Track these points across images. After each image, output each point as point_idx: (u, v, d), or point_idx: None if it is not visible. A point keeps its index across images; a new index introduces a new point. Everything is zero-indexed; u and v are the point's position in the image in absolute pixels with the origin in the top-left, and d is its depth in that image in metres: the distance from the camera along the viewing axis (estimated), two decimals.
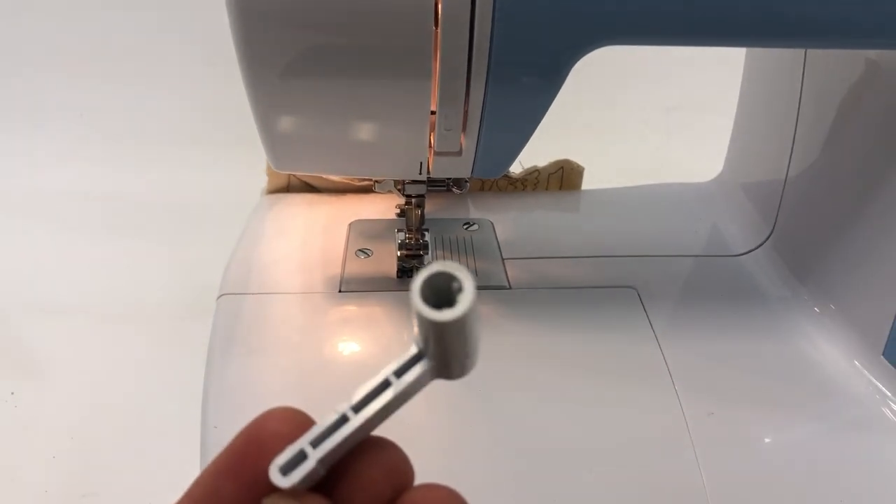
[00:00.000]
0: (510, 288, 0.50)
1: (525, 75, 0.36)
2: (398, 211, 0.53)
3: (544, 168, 0.60)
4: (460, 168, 0.42)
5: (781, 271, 0.52)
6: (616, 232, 0.57)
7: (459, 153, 0.40)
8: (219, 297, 0.49)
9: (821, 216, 0.50)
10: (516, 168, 0.61)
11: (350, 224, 0.55)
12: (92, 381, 0.57)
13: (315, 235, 0.54)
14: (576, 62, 0.35)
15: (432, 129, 0.39)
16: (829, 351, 0.48)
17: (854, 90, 0.46)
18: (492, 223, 0.56)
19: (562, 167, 0.61)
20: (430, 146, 0.40)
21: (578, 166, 0.60)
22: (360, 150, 0.40)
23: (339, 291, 0.49)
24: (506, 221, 0.57)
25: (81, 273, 0.67)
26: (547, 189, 0.62)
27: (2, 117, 0.80)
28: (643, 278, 0.51)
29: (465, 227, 0.56)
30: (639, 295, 0.50)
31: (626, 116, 0.76)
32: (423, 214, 0.52)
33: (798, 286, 0.51)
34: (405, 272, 0.51)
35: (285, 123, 0.39)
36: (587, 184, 0.62)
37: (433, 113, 0.38)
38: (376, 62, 0.35)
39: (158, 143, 0.77)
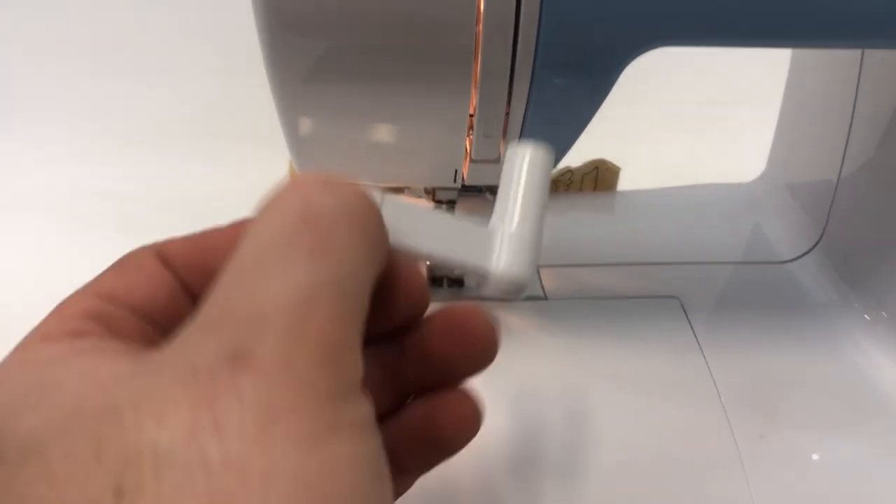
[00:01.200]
0: (546, 299, 0.48)
1: (572, 79, 0.33)
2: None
3: (578, 168, 0.58)
4: (497, 175, 0.39)
5: (832, 278, 0.49)
6: (655, 236, 0.54)
7: (497, 160, 0.38)
8: None
9: (877, 220, 0.47)
10: None
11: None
12: None
13: None
14: (627, 65, 0.33)
15: (469, 135, 0.36)
16: (884, 364, 0.45)
17: None
18: None
19: (596, 167, 0.58)
20: (466, 153, 0.38)
21: (614, 166, 0.58)
22: (392, 156, 0.38)
23: None
24: None
25: (92, 275, 0.65)
26: (581, 190, 0.59)
27: (9, 113, 0.78)
28: (686, 287, 0.49)
29: None
30: (682, 305, 0.47)
31: (657, 112, 0.73)
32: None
33: (849, 294, 0.48)
34: (435, 281, 0.48)
35: (314, 128, 0.36)
36: (622, 184, 0.59)
37: (471, 116, 0.35)
38: (413, 65, 0.33)
39: (172, 138, 0.75)
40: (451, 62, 0.32)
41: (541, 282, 0.49)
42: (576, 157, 0.58)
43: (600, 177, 0.58)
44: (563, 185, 0.59)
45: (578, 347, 0.45)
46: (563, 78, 0.33)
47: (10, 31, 0.82)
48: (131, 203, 0.72)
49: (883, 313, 0.46)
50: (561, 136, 0.36)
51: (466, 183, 0.40)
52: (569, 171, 0.58)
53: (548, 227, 0.54)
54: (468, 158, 0.38)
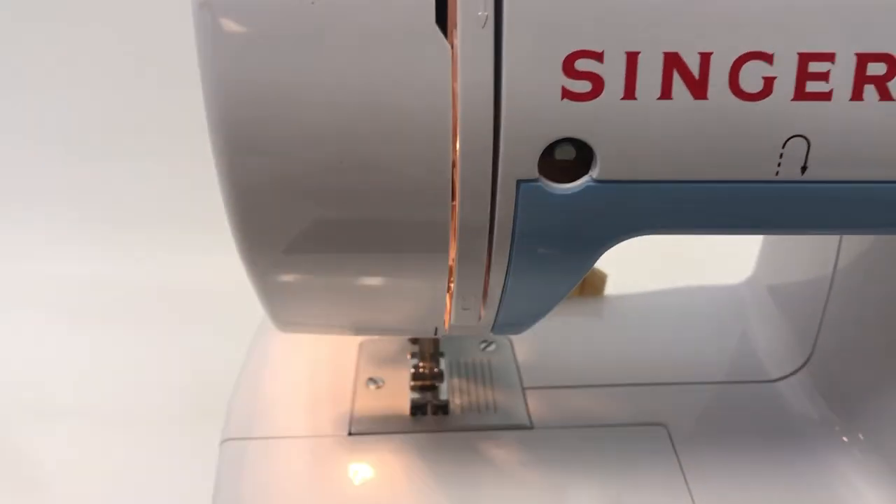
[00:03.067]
0: (532, 427, 0.47)
1: (551, 261, 0.33)
2: (411, 337, 0.50)
3: None
4: (478, 330, 0.39)
5: (820, 404, 0.48)
6: (643, 351, 0.53)
7: (477, 325, 0.37)
8: (222, 443, 0.46)
9: (872, 342, 0.46)
10: None
11: (360, 344, 0.52)
12: (92, 493, 0.54)
13: (323, 360, 0.51)
14: (605, 251, 0.32)
15: (449, 292, 0.36)
16: (866, 492, 0.44)
17: None
18: (510, 341, 0.53)
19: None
20: (446, 311, 0.37)
21: (601, 272, 0.57)
22: (372, 318, 0.37)
23: (349, 434, 0.46)
24: (524, 336, 0.54)
25: (77, 369, 0.65)
26: (569, 295, 0.58)
27: None
28: (673, 412, 0.48)
29: (482, 346, 0.53)
30: (669, 434, 0.47)
31: None
32: (438, 341, 0.49)
33: (839, 423, 0.47)
34: (419, 408, 0.48)
35: (287, 295, 0.35)
36: (613, 285, 0.59)
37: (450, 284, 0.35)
38: (385, 236, 0.32)
39: (158, 225, 0.74)
40: (425, 237, 0.31)
41: (526, 405, 0.48)
42: None
43: (587, 282, 0.58)
44: None
45: (562, 483, 0.44)
46: (542, 260, 0.32)
47: None
48: (119, 291, 0.71)
49: (880, 448, 0.45)
50: (540, 304, 0.36)
51: (447, 334, 0.39)
52: None
53: (534, 339, 0.54)
54: (448, 319, 0.37)
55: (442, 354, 0.50)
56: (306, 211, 0.31)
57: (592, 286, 0.58)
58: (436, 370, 0.49)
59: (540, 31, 0.27)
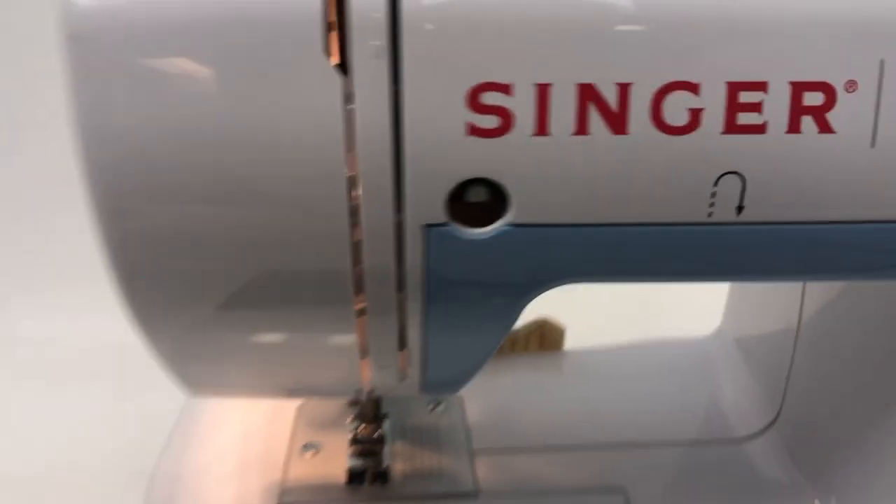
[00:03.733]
0: (477, 494, 0.44)
1: (471, 312, 0.30)
2: (350, 399, 0.47)
3: (521, 329, 0.54)
4: (406, 389, 0.35)
5: (789, 466, 0.45)
6: (602, 409, 0.50)
7: (403, 380, 0.34)
8: None
9: (840, 397, 0.43)
10: None
11: (298, 408, 0.49)
12: None
13: (259, 424, 0.48)
14: (529, 301, 0.29)
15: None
16: None
17: None
18: (461, 400, 0.50)
19: (540, 326, 0.54)
20: (363, 371, 0.34)
21: (558, 325, 0.54)
22: (283, 376, 0.34)
23: None
24: (477, 396, 0.51)
25: (20, 431, 0.61)
26: (527, 349, 0.55)
27: None
28: (632, 475, 0.45)
29: (429, 407, 0.49)
30: (628, 499, 0.43)
31: None
32: (379, 402, 0.46)
33: (810, 486, 0.44)
34: (356, 477, 0.44)
35: (187, 354, 0.32)
36: (574, 336, 0.56)
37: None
38: (282, 287, 0.29)
39: (93, 282, 0.71)
40: (327, 292, 0.29)
41: (473, 471, 0.45)
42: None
43: (545, 336, 0.54)
44: (508, 346, 0.55)
45: None
46: (458, 316, 0.29)
47: None
48: (52, 349, 0.68)
49: (832, 500, 0.42)
50: (467, 362, 0.33)
51: (373, 395, 0.36)
52: (512, 332, 0.54)
53: (486, 398, 0.51)
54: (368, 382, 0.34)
55: (385, 416, 0.47)
56: (189, 259, 0.28)
57: (551, 340, 0.55)
58: (377, 434, 0.45)
59: (442, 61, 0.25)
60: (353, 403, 0.46)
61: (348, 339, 0.30)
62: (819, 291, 0.43)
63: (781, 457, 0.45)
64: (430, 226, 0.27)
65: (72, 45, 0.25)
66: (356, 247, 0.27)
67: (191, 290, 0.29)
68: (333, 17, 0.25)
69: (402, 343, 0.31)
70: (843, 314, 0.42)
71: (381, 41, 0.25)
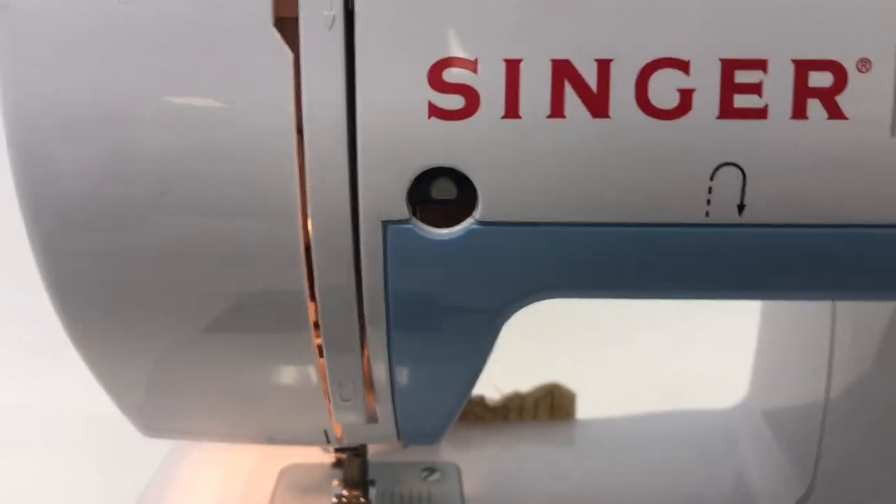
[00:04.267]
0: None
1: (441, 333, 0.26)
2: (334, 460, 0.43)
3: (529, 393, 0.50)
4: (380, 435, 0.32)
5: None
6: (615, 485, 0.45)
7: (373, 421, 0.30)
8: None
9: (870, 477, 0.38)
10: (493, 394, 0.51)
11: (281, 471, 0.45)
12: None
13: (236, 487, 0.44)
14: (507, 318, 0.26)
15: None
16: None
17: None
18: (458, 469, 0.46)
19: (550, 392, 0.50)
20: (326, 406, 0.31)
21: (569, 392, 0.50)
22: (244, 418, 0.31)
23: None
24: (478, 465, 0.46)
25: (5, 498, 0.58)
26: (535, 417, 0.51)
27: None
28: None
29: (423, 475, 0.45)
30: None
31: (634, 320, 0.66)
32: (365, 463, 0.42)
33: None
34: None
35: (138, 390, 0.29)
36: (588, 404, 0.51)
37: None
38: (232, 315, 0.26)
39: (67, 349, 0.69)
40: (281, 319, 0.25)
41: None
42: (525, 378, 0.50)
43: (555, 402, 0.50)
44: (515, 413, 0.51)
45: None
46: (424, 345, 0.26)
47: None
48: (44, 418, 0.65)
49: None
50: (444, 395, 0.29)
51: (345, 444, 0.32)
52: (518, 397, 0.50)
53: (487, 468, 0.46)
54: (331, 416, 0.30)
55: (372, 483, 0.43)
56: (126, 275, 0.25)
57: (562, 407, 0.51)
58: (362, 500, 0.41)
59: (400, 33, 0.22)
60: (337, 464, 0.43)
61: (306, 369, 0.27)
62: (847, 357, 0.39)
63: None
64: (388, 223, 0.24)
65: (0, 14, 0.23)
66: (308, 251, 0.24)
67: (129, 319, 0.26)
68: None
69: (367, 372, 0.27)
70: (874, 381, 0.38)
71: (333, 11, 0.22)
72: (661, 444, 0.49)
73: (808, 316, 0.42)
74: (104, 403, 0.62)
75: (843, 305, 0.38)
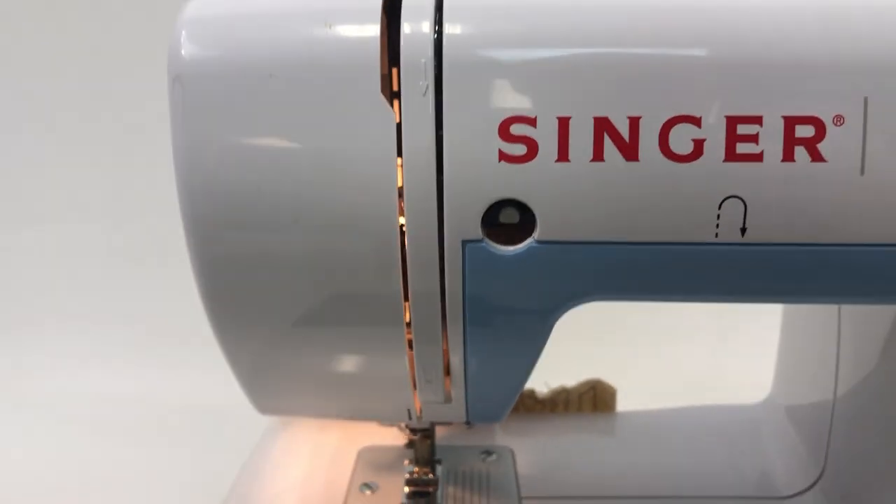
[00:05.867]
0: None
1: (506, 327, 0.33)
2: (406, 441, 0.50)
3: (573, 388, 0.57)
4: (453, 413, 0.39)
5: None
6: (651, 467, 0.51)
7: (448, 401, 0.37)
8: None
9: (873, 460, 0.44)
10: (542, 388, 0.57)
11: (359, 452, 0.52)
12: None
13: (321, 465, 0.51)
14: (558, 318, 0.33)
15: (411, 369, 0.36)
16: None
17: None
18: (512, 452, 0.52)
19: (593, 387, 0.57)
20: (414, 392, 0.37)
21: (610, 387, 0.56)
22: (342, 395, 0.38)
23: None
24: (529, 450, 0.53)
25: (101, 480, 0.66)
26: (580, 410, 0.57)
27: (26, 321, 0.82)
28: None
29: (482, 457, 0.52)
30: None
31: (670, 325, 0.72)
32: (433, 445, 0.49)
33: None
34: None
35: (257, 368, 0.36)
36: (628, 399, 0.58)
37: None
38: (344, 311, 0.33)
39: (182, 345, 0.77)
40: (380, 310, 0.32)
41: None
42: (571, 375, 0.57)
43: (597, 396, 0.57)
44: (562, 405, 0.57)
45: None
46: (494, 332, 0.33)
47: (33, 247, 0.87)
48: (144, 409, 0.73)
49: None
50: (505, 382, 0.36)
51: (423, 420, 0.39)
52: (564, 391, 0.57)
53: (538, 452, 0.53)
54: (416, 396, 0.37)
55: (439, 462, 0.49)
56: (263, 278, 0.32)
57: (603, 402, 0.57)
58: (430, 476, 0.48)
59: (477, 98, 0.29)
60: (409, 445, 0.49)
61: (399, 357, 0.34)
62: (851, 356, 0.45)
63: None
64: (467, 241, 0.31)
65: (175, 85, 0.30)
66: (404, 264, 0.31)
67: (257, 304, 0.33)
68: (386, 63, 0.30)
69: (446, 359, 0.34)
70: (877, 377, 0.43)
71: (427, 81, 0.29)
72: (692, 434, 0.55)
73: (819, 321, 0.48)
74: (198, 395, 0.70)
75: (846, 311, 0.44)
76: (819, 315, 0.48)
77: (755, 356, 0.59)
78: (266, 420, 0.57)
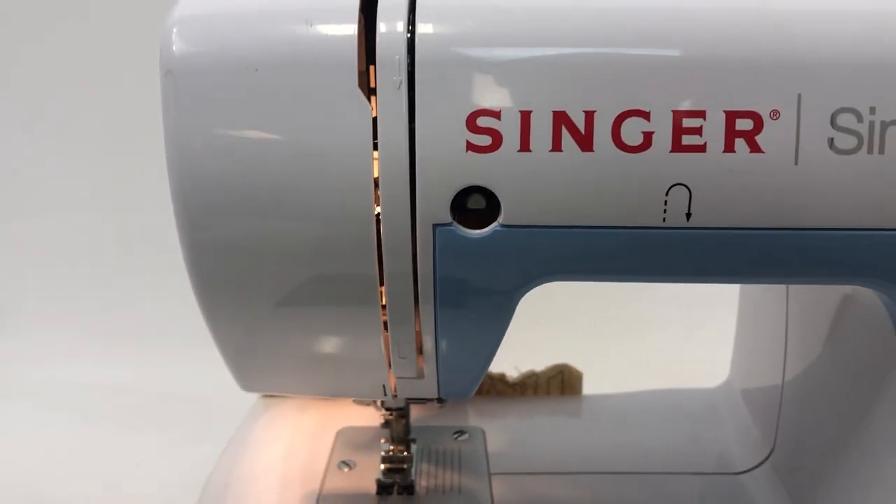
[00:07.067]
0: None
1: (473, 305, 0.36)
2: (382, 421, 0.52)
3: (542, 372, 0.59)
4: (425, 390, 0.41)
5: (779, 492, 0.49)
6: (615, 445, 0.54)
7: (420, 377, 0.40)
8: None
9: (818, 437, 0.47)
10: (513, 373, 0.60)
11: (338, 432, 0.55)
12: None
13: (301, 444, 0.54)
14: (521, 296, 0.35)
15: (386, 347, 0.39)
16: None
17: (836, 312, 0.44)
18: (483, 432, 0.55)
19: (561, 371, 0.59)
20: (389, 369, 0.40)
21: (577, 372, 0.59)
22: (322, 373, 0.40)
23: None
24: (499, 430, 0.56)
25: (88, 468, 0.67)
26: (548, 393, 0.60)
27: (19, 313, 0.84)
28: (639, 499, 0.49)
29: (454, 436, 0.55)
30: None
31: (634, 312, 0.75)
32: (408, 424, 0.51)
33: None
34: (384, 488, 0.49)
35: (243, 348, 0.39)
36: (594, 384, 0.61)
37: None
38: (324, 293, 0.36)
39: (168, 335, 0.79)
40: (356, 289, 0.35)
41: (490, 490, 0.50)
42: (539, 359, 0.60)
43: (565, 380, 0.59)
44: (530, 389, 0.60)
45: None
46: (463, 308, 0.35)
47: (22, 238, 0.89)
48: (131, 397, 0.75)
49: None
50: (474, 356, 0.38)
51: (398, 396, 0.42)
52: (534, 375, 0.60)
53: (507, 432, 0.56)
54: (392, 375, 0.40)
55: (413, 441, 0.52)
56: (248, 262, 0.35)
57: (570, 385, 0.60)
58: (405, 453, 0.51)
59: (447, 93, 0.32)
60: (385, 425, 0.52)
61: (374, 336, 0.37)
62: (801, 340, 0.48)
63: (775, 487, 0.49)
64: (437, 225, 0.33)
65: (167, 80, 0.33)
66: (379, 247, 0.34)
67: (247, 293, 0.36)
68: (364, 60, 0.32)
69: (418, 337, 0.37)
70: (822, 360, 0.46)
71: (400, 77, 0.32)
72: (655, 416, 0.58)
73: (770, 308, 0.51)
74: (183, 384, 0.71)
75: (793, 298, 0.47)
76: (770, 302, 0.51)
77: (713, 343, 0.62)
78: (249, 408, 0.59)
